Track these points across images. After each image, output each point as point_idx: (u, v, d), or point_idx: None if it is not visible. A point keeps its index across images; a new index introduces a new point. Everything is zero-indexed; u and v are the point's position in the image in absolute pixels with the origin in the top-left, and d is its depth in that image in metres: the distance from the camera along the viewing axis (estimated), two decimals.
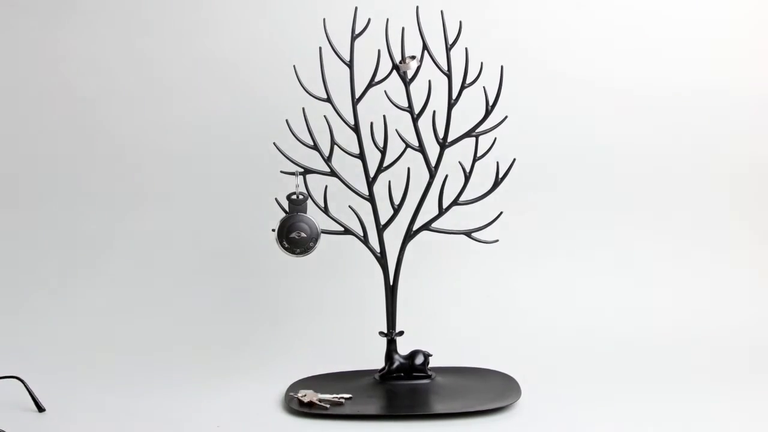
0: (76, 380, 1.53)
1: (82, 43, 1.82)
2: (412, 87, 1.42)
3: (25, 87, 1.83)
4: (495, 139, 1.43)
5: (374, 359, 1.51)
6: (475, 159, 1.43)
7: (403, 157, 1.44)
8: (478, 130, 1.43)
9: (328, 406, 1.37)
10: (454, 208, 1.45)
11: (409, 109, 1.43)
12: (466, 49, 1.40)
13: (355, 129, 1.43)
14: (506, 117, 1.43)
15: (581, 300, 1.75)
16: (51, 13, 1.81)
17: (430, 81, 1.40)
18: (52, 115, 1.83)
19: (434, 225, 1.46)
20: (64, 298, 1.79)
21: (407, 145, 1.44)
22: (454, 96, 1.42)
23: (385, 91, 1.42)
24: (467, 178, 1.44)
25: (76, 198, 1.83)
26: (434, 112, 1.42)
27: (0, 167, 1.84)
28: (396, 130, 1.44)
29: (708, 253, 1.79)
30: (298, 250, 1.43)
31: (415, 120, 1.43)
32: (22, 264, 1.83)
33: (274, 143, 1.43)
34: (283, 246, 1.43)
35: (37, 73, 1.82)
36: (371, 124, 1.43)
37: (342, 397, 1.39)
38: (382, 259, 1.46)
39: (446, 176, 1.45)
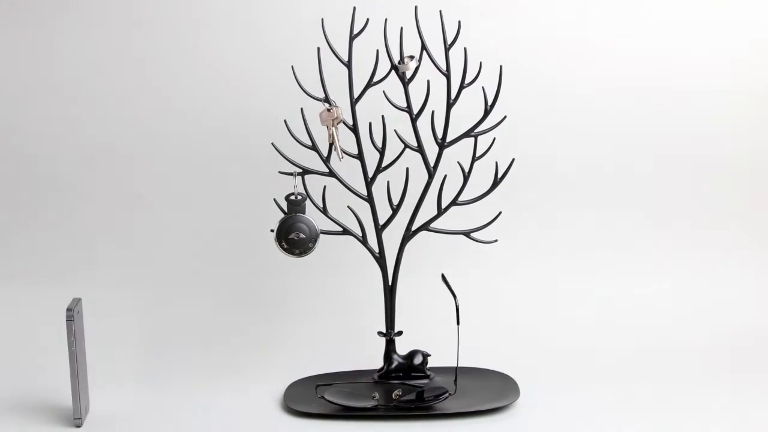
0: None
1: (81, 43, 1.81)
2: (410, 87, 1.42)
3: (23, 87, 1.83)
4: (494, 139, 1.43)
5: (373, 359, 1.51)
6: (474, 159, 1.43)
7: (401, 157, 1.44)
8: (477, 130, 1.43)
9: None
10: (453, 208, 1.45)
11: (408, 109, 1.43)
12: (465, 49, 1.39)
13: (354, 129, 1.43)
14: (505, 117, 1.43)
15: (580, 300, 1.74)
16: (50, 13, 1.81)
17: (428, 81, 1.40)
18: (52, 114, 1.83)
19: (433, 225, 1.46)
20: (63, 297, 1.79)
21: (406, 146, 1.44)
22: (452, 96, 1.42)
23: (383, 92, 1.41)
24: (466, 178, 1.44)
25: (76, 198, 1.83)
26: (433, 112, 1.42)
27: (0, 167, 1.84)
28: (395, 131, 1.43)
29: (708, 253, 1.79)
30: (297, 251, 1.43)
31: (413, 120, 1.43)
32: (22, 263, 1.83)
33: (272, 144, 1.43)
34: (282, 247, 1.43)
35: (36, 72, 1.82)
36: (370, 124, 1.43)
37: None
38: (381, 259, 1.46)
39: (445, 176, 1.44)
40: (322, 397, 1.39)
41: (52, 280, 1.81)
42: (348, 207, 1.45)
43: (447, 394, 1.39)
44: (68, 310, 1.35)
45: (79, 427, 1.36)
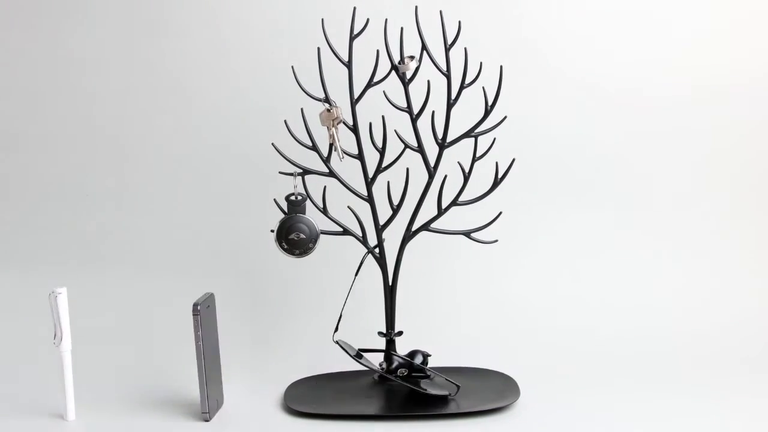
0: (76, 378, 1.53)
1: (83, 44, 1.81)
2: (411, 87, 1.42)
3: (27, 87, 1.83)
4: (494, 139, 1.43)
5: (374, 359, 1.51)
6: (474, 159, 1.43)
7: (402, 157, 1.44)
8: (478, 130, 1.43)
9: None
10: (453, 208, 1.45)
11: (408, 109, 1.43)
12: (465, 49, 1.39)
13: (354, 129, 1.43)
14: (505, 117, 1.43)
15: (580, 300, 1.74)
16: (52, 14, 1.81)
17: (429, 81, 1.40)
18: (53, 115, 1.83)
19: (433, 225, 1.46)
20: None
21: (406, 146, 1.44)
22: (453, 96, 1.42)
23: (384, 92, 1.41)
24: (466, 178, 1.44)
25: (77, 198, 1.83)
26: (433, 112, 1.42)
27: (0, 167, 1.84)
28: (395, 131, 1.43)
29: (707, 252, 1.79)
30: (298, 251, 1.43)
31: (414, 120, 1.43)
32: (22, 263, 1.83)
33: (272, 144, 1.43)
34: (282, 247, 1.43)
35: (39, 73, 1.82)
36: (370, 124, 1.43)
37: None
38: (381, 259, 1.46)
39: (445, 176, 1.44)
40: (337, 342, 1.41)
41: (50, 279, 1.81)
42: (348, 207, 1.45)
43: (447, 395, 1.39)
44: (195, 305, 1.35)
45: (207, 421, 1.37)
